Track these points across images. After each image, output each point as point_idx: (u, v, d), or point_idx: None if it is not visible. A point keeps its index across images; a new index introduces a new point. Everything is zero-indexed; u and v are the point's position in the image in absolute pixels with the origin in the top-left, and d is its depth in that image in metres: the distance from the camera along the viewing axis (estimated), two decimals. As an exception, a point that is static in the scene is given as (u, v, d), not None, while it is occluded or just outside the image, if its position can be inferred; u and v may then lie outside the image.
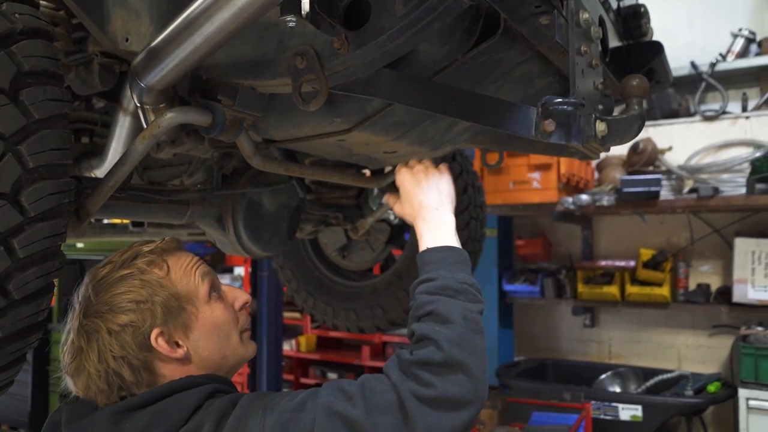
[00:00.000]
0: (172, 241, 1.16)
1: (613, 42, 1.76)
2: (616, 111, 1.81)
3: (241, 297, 1.19)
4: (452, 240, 1.22)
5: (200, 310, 1.10)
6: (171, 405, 0.97)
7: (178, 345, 1.06)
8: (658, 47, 1.86)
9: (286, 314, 4.97)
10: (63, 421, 1.03)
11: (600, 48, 1.43)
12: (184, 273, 1.11)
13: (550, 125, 1.25)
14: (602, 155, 4.11)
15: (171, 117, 1.27)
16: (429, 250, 1.20)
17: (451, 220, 1.25)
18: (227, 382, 1.10)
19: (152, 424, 0.95)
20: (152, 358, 1.04)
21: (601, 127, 1.28)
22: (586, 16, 1.29)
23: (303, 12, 1.02)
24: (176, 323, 1.06)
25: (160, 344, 1.04)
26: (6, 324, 0.98)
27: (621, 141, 1.33)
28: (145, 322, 1.03)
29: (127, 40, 1.34)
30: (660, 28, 2.02)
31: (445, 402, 0.95)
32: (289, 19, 1.00)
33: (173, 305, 1.07)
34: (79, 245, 5.51)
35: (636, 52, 1.86)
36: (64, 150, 1.02)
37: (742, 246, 3.82)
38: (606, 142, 1.30)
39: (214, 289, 1.14)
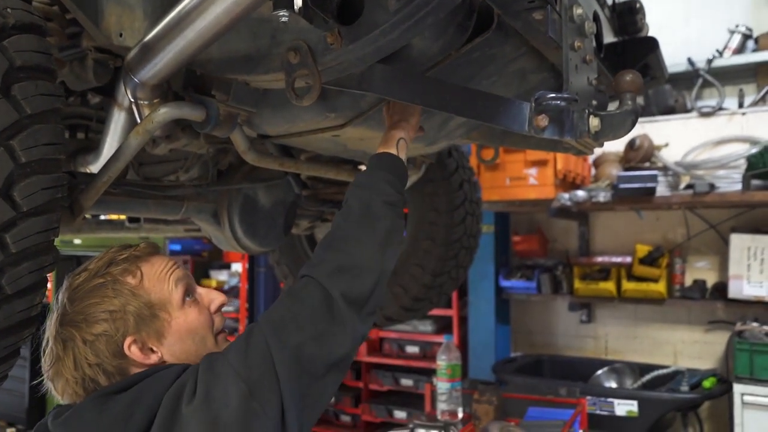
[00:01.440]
0: (147, 246, 1.17)
1: (608, 38, 1.76)
2: (611, 107, 1.81)
3: (216, 299, 1.20)
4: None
5: (173, 317, 1.10)
6: (154, 379, 1.00)
7: (152, 351, 1.08)
8: (653, 43, 1.86)
9: (283, 310, 4.98)
10: (49, 420, 1.04)
11: (594, 43, 1.43)
12: (158, 280, 1.12)
13: (543, 120, 1.25)
14: (598, 151, 4.12)
15: (165, 112, 1.27)
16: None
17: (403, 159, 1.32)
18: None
19: (137, 399, 0.97)
20: (127, 364, 1.07)
21: (594, 122, 1.28)
22: (580, 11, 1.29)
23: (296, 7, 1.02)
24: (149, 330, 1.08)
25: (133, 352, 1.06)
26: (-1, 319, 0.98)
27: (615, 136, 1.33)
28: (117, 332, 1.05)
29: (121, 35, 1.34)
30: (656, 24, 2.02)
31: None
32: (281, 14, 1.00)
33: (145, 314, 1.08)
34: (77, 241, 5.50)
35: (631, 47, 1.86)
36: (56, 145, 1.02)
37: (738, 242, 3.83)
38: (599, 138, 1.30)
39: (189, 293, 1.15)
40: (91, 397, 1.01)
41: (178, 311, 1.11)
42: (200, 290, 1.19)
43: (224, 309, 1.22)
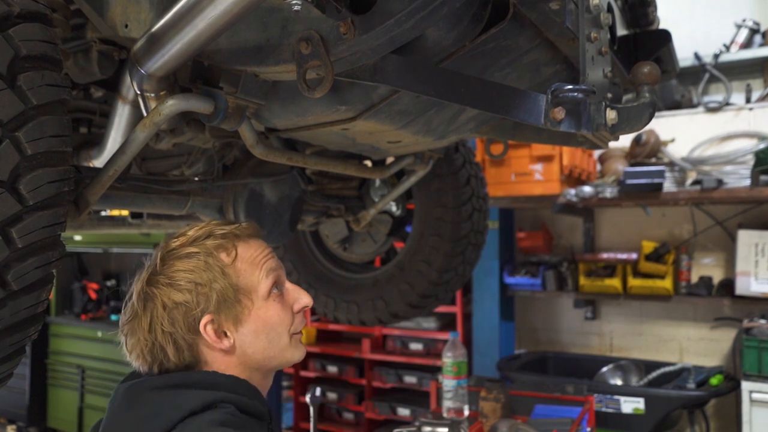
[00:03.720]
0: (249, 227, 1.16)
1: (620, 30, 1.73)
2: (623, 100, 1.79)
3: (302, 300, 1.17)
4: None
5: (255, 306, 1.10)
6: (183, 398, 1.00)
7: (225, 335, 1.08)
8: (665, 36, 1.84)
9: (286, 307, 4.96)
10: (120, 388, 1.07)
11: (609, 35, 1.40)
12: (250, 264, 1.11)
13: (559, 113, 1.23)
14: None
15: (172, 104, 1.24)
16: None
17: None
18: (251, 393, 1.09)
19: (155, 413, 0.98)
20: (198, 341, 1.07)
21: (611, 115, 1.26)
22: (596, 1, 1.26)
23: (308, -5, 0.99)
24: (228, 314, 1.08)
25: (208, 331, 1.06)
26: (5, 315, 0.95)
27: (631, 129, 1.31)
28: (198, 306, 1.05)
29: (126, 26, 1.32)
30: (662, 18, 1.99)
31: None
32: (294, 2, 0.97)
33: (229, 296, 1.07)
34: (77, 237, 5.49)
35: (643, 40, 1.84)
36: (63, 137, 1.00)
37: (746, 238, 3.80)
38: (616, 131, 1.28)
39: (277, 286, 1.14)
40: (136, 386, 1.04)
41: (261, 302, 1.10)
42: (288, 286, 1.18)
43: None
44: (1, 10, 0.94)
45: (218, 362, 1.09)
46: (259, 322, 1.10)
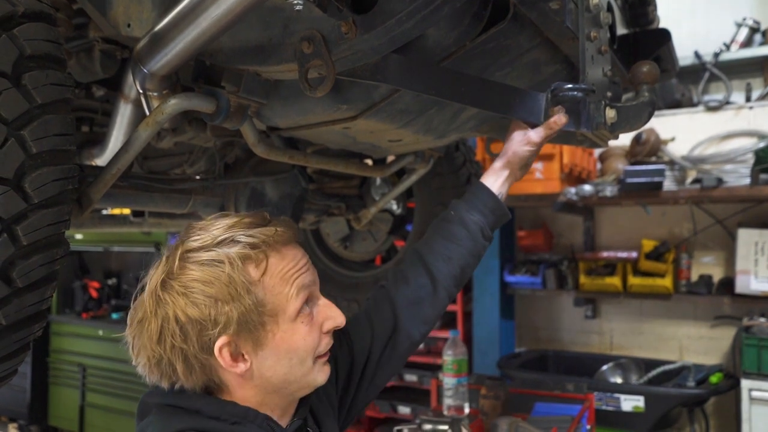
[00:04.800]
0: (284, 232, 1.01)
1: (620, 29, 1.74)
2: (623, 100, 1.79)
3: (333, 319, 1.05)
4: None
5: (281, 330, 0.98)
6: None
7: (243, 358, 0.97)
8: (665, 35, 1.84)
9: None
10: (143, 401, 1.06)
11: (608, 34, 1.41)
12: (281, 279, 0.98)
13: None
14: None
15: (175, 103, 1.25)
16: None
17: None
18: (238, 418, 0.99)
19: None
20: (212, 362, 0.97)
21: (610, 113, 1.27)
22: (596, 1, 1.27)
23: (310, -5, 1.00)
24: (249, 336, 0.96)
25: (223, 355, 0.95)
26: (10, 312, 0.96)
27: (631, 128, 1.32)
28: (216, 325, 0.93)
29: (128, 25, 1.32)
30: (662, 17, 2.00)
31: None
32: (296, 2, 0.98)
33: (253, 318, 0.95)
34: (78, 236, 5.50)
35: (643, 39, 1.84)
36: (67, 135, 1.00)
37: (745, 237, 3.81)
38: (615, 129, 1.29)
39: (309, 304, 1.02)
40: (144, 399, 1.03)
41: (288, 324, 0.98)
42: (320, 302, 1.06)
43: None
44: (5, 9, 0.95)
45: (234, 383, 1.00)
46: (284, 346, 0.98)
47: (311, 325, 1.02)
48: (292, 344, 0.99)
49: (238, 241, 0.96)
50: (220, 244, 0.96)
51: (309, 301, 1.03)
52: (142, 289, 1.00)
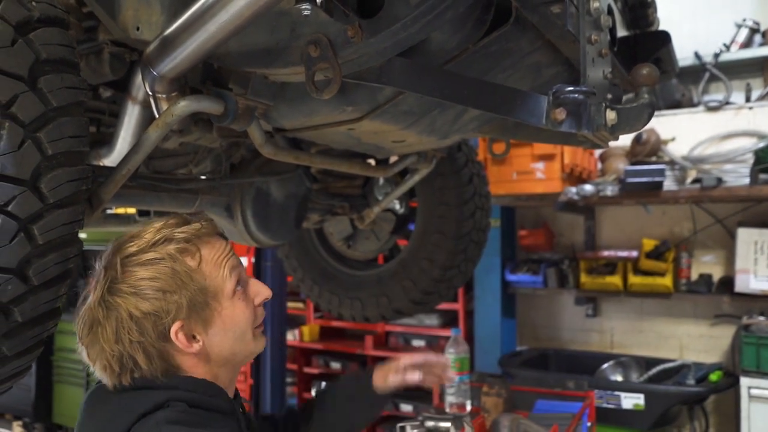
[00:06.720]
0: (208, 225, 1.14)
1: (620, 32, 1.76)
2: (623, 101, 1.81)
3: (262, 293, 1.18)
4: None
5: (223, 307, 1.10)
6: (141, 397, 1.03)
7: (195, 338, 1.08)
8: (665, 37, 1.87)
9: (289, 304, 4.98)
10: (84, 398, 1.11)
11: (609, 37, 1.43)
12: (215, 265, 1.10)
13: (560, 114, 1.26)
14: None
15: (185, 105, 1.28)
16: None
17: None
18: (211, 391, 1.10)
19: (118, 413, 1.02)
20: (169, 348, 1.06)
21: (611, 115, 1.29)
22: (596, 4, 1.29)
23: (317, 0, 1.02)
24: (198, 318, 1.07)
25: (179, 339, 1.05)
26: (26, 309, 0.99)
27: (631, 130, 1.34)
28: (168, 314, 1.03)
29: (138, 28, 1.35)
30: (663, 18, 2.02)
31: None
32: (303, 7, 1.00)
33: (199, 300, 1.06)
34: (82, 236, 5.52)
35: (643, 41, 1.87)
36: (81, 137, 1.03)
37: (745, 236, 3.83)
38: (616, 131, 1.31)
39: (240, 283, 1.14)
40: (95, 393, 1.09)
41: (227, 301, 1.10)
42: (248, 281, 1.18)
43: None
44: (21, 15, 0.98)
45: (189, 365, 1.09)
46: (227, 321, 1.10)
47: (246, 300, 1.14)
48: (234, 318, 1.11)
49: (172, 239, 1.07)
50: (155, 244, 1.06)
51: (240, 280, 1.14)
52: (84, 301, 1.08)
